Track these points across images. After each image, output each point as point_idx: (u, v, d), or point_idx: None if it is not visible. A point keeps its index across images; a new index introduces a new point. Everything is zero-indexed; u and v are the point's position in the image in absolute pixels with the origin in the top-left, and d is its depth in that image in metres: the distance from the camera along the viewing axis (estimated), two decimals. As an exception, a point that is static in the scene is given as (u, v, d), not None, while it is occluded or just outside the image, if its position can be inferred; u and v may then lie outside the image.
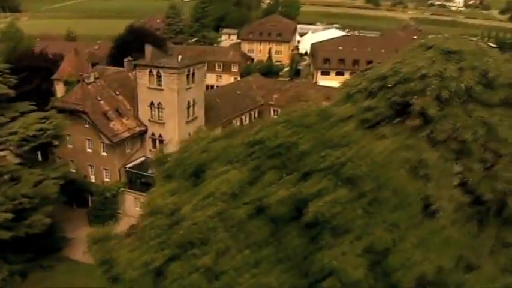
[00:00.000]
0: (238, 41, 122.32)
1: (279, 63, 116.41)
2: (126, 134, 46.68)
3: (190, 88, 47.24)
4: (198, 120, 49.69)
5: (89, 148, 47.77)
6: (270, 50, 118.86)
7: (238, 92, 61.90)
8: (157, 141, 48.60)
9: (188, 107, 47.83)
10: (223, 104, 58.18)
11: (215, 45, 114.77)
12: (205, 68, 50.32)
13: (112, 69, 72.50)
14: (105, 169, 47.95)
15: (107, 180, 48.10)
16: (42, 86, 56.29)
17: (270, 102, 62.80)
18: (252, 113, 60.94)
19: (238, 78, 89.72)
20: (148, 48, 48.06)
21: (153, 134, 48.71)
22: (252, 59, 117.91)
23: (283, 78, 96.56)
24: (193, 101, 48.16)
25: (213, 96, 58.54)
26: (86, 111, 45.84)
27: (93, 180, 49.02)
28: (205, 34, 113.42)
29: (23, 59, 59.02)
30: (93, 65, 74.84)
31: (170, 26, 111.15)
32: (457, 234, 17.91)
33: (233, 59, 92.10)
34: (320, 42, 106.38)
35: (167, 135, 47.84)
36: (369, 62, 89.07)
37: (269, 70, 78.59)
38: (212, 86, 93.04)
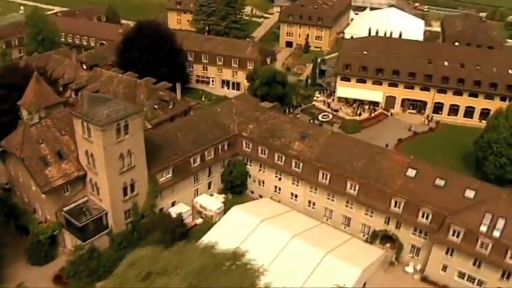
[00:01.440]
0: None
1: (318, 49, 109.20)
2: (60, 182, 46.97)
3: (122, 141, 45.66)
4: (137, 168, 48.41)
5: (33, 186, 49.06)
6: (308, 36, 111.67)
7: (210, 122, 58.93)
8: (94, 187, 48.63)
9: (122, 158, 46.55)
10: (185, 137, 55.90)
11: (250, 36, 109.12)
12: (141, 118, 46.80)
13: (108, 73, 72.65)
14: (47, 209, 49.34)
15: (49, 218, 49.66)
16: (15, 107, 57.83)
17: (244, 134, 59.23)
18: (221, 145, 57.99)
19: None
20: (85, 95, 46.85)
21: (90, 180, 48.62)
22: (291, 44, 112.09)
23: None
24: (128, 151, 46.67)
25: (174, 129, 56.39)
26: (23, 158, 46.62)
27: (39, 215, 51.05)
28: (237, 18, 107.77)
29: (5, 75, 60.73)
30: (91, 67, 75.50)
31: (202, 7, 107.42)
32: None
33: (250, 55, 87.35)
34: (351, 39, 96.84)
35: (102, 185, 47.53)
36: (395, 72, 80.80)
37: (273, 77, 73.11)
38: (228, 82, 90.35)
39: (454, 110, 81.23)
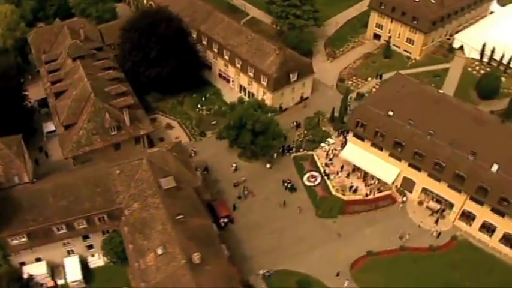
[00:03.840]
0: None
1: (408, 54, 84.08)
2: None
3: None
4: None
5: None
6: (390, 38, 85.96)
7: (98, 189, 51.62)
8: None
9: None
10: (56, 202, 50.51)
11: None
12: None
13: (81, 72, 67.35)
14: None
15: None
16: None
17: (126, 212, 50.79)
18: (98, 217, 51.04)
19: (267, 95, 71.73)
20: None
21: None
22: (379, 37, 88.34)
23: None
24: None
25: (49, 190, 50.89)
26: None
27: None
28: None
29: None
30: (74, 59, 70.46)
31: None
32: None
33: (266, 68, 71.25)
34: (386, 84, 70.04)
35: None
36: (419, 154, 57.20)
37: (240, 122, 57.73)
38: (244, 88, 77.15)
39: (489, 228, 56.53)
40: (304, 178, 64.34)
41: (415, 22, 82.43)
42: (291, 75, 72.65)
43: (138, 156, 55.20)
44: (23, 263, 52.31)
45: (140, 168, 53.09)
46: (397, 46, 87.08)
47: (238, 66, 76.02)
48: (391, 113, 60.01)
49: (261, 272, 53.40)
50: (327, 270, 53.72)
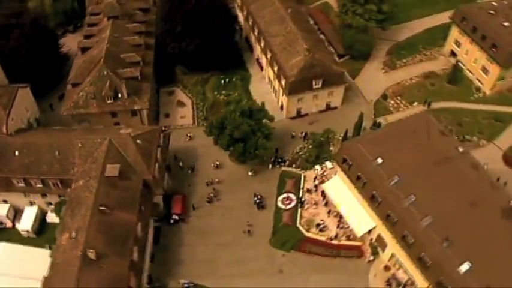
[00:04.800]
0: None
1: (480, 85, 71.56)
2: None
3: None
4: None
5: None
6: (457, 62, 72.27)
7: (58, 156, 54.05)
8: None
9: None
10: (20, 158, 54.31)
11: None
12: None
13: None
14: None
15: None
16: None
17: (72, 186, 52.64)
18: (52, 182, 53.96)
19: (283, 97, 66.82)
20: None
21: None
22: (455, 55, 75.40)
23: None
24: None
25: (16, 146, 54.56)
26: None
27: None
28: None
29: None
30: (109, 18, 71.50)
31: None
32: None
33: (288, 69, 65.09)
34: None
35: None
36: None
37: (222, 124, 53.70)
38: (271, 82, 72.40)
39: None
40: (280, 198, 59.84)
41: (493, 50, 67.76)
42: (313, 82, 65.93)
43: (111, 134, 56.20)
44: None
45: (99, 147, 54.21)
46: (470, 72, 73.25)
47: (268, 57, 71.25)
48: (379, 160, 51.71)
49: (181, 281, 52.53)
50: (248, 304, 50.82)
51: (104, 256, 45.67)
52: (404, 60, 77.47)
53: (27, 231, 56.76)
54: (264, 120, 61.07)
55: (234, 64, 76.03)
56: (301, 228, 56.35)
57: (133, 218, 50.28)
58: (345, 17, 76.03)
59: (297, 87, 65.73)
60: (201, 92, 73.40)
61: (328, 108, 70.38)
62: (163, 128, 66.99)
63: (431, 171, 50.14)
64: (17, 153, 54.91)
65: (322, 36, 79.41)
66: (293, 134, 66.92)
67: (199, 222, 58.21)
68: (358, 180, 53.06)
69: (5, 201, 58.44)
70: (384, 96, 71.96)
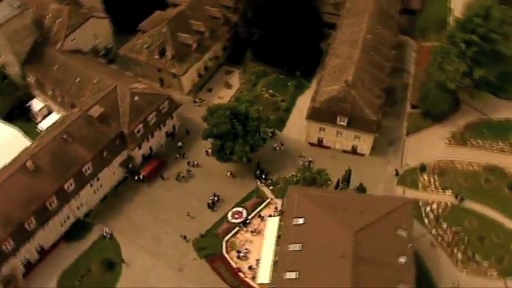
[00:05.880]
0: None
1: None
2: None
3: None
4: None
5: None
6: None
7: (78, 81, 62.24)
8: None
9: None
10: (57, 73, 64.55)
11: None
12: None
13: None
14: None
15: None
16: None
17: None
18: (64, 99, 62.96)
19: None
20: None
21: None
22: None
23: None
24: None
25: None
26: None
27: None
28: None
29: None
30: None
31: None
32: None
33: (321, 91, 59.74)
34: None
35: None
36: None
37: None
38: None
39: None
40: (233, 209, 58.39)
41: None
42: (338, 117, 60.05)
43: (126, 84, 61.95)
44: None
45: (106, 89, 60.70)
46: None
47: (319, 75, 66.92)
48: (300, 220, 45.98)
49: (105, 229, 56.68)
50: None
51: (40, 172, 53.26)
52: (479, 141, 63.53)
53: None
54: (262, 131, 59.05)
55: (302, 69, 72.96)
56: (224, 246, 54.81)
57: (88, 156, 56.31)
58: (431, 66, 65.25)
59: (319, 114, 61.23)
60: (252, 82, 73.41)
61: (354, 151, 63.48)
62: (195, 100, 70.85)
63: (337, 266, 42.60)
64: (56, 67, 65.80)
65: (406, 80, 70.63)
66: (301, 159, 63.09)
67: (157, 190, 61.24)
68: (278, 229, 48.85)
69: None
70: (422, 168, 61.09)
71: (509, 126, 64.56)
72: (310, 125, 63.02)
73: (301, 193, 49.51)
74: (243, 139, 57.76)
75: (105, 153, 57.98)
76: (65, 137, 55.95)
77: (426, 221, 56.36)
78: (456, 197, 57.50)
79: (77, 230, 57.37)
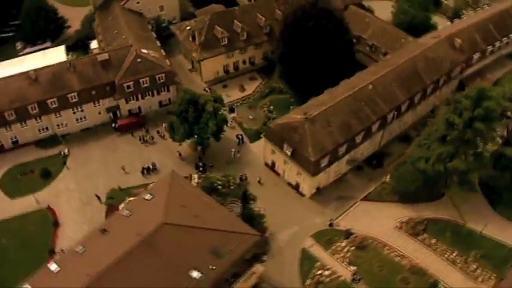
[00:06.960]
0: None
1: None
2: None
3: None
4: None
5: None
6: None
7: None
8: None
9: None
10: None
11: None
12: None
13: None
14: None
15: None
16: None
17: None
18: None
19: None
20: None
21: None
22: None
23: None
24: None
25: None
26: None
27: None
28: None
29: None
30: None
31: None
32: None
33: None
34: None
35: None
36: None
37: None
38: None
39: None
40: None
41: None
42: (285, 145, 59.31)
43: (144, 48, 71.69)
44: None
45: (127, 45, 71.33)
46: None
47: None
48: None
49: (65, 151, 67.21)
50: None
51: (38, 82, 66.09)
52: (433, 241, 55.80)
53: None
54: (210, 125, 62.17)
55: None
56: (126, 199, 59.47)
57: (76, 87, 67.32)
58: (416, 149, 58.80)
59: (273, 135, 61.70)
60: (263, 94, 75.79)
61: (297, 189, 61.99)
62: (205, 89, 76.67)
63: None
64: (110, 18, 78.82)
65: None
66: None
67: (121, 141, 69.40)
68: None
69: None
70: (347, 234, 56.32)
71: (480, 242, 55.30)
72: (266, 143, 63.60)
73: (180, 181, 51.96)
74: (189, 125, 61.95)
75: (93, 92, 68.38)
76: (69, 66, 68.08)
77: (308, 281, 52.58)
78: (354, 276, 52.17)
79: (47, 141, 68.99)
